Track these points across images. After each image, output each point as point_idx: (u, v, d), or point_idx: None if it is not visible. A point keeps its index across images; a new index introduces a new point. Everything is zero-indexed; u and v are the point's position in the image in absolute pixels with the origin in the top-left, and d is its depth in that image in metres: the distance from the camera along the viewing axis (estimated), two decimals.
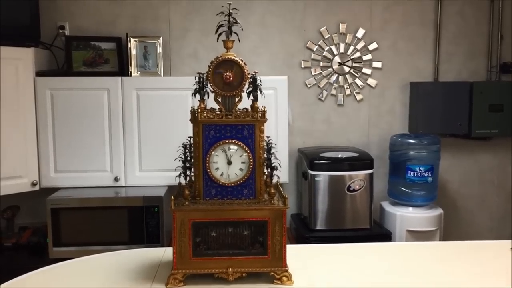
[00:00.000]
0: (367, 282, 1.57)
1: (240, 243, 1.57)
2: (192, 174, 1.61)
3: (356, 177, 2.81)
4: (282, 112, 2.92)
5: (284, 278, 1.55)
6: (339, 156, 2.92)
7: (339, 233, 2.83)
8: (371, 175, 2.84)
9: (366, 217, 2.86)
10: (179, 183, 1.64)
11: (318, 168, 2.83)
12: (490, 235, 3.36)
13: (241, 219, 1.55)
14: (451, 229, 3.25)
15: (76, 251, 2.61)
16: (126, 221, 2.68)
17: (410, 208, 2.97)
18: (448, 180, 3.35)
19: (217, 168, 1.56)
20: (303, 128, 3.29)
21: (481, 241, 2.12)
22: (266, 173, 1.62)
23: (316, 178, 2.82)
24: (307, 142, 3.27)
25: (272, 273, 1.55)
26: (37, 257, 2.76)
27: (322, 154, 2.90)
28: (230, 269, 1.53)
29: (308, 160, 2.88)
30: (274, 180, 1.63)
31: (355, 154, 2.92)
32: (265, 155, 1.60)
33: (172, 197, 1.54)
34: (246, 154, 1.57)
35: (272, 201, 1.56)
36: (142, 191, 2.77)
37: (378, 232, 2.88)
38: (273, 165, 1.61)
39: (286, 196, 1.57)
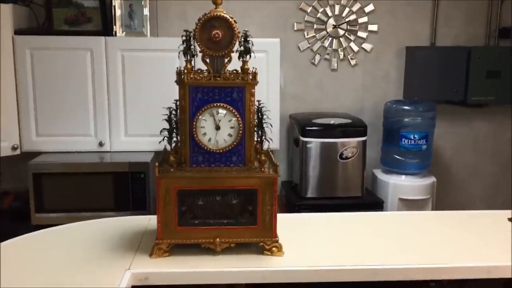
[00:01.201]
0: (358, 253, 1.51)
1: (229, 213, 1.49)
2: (178, 139, 1.51)
3: (349, 145, 2.74)
4: (273, 76, 2.81)
5: (274, 248, 1.48)
6: (332, 122, 2.83)
7: (331, 201, 2.77)
8: (364, 142, 2.76)
9: (358, 185, 2.80)
10: (164, 148, 1.55)
11: (310, 134, 2.74)
12: (482, 204, 3.33)
13: (229, 187, 1.47)
14: (443, 197, 3.21)
15: (59, 217, 2.53)
16: (112, 187, 2.59)
17: (403, 176, 2.92)
18: (442, 148, 3.29)
19: (205, 134, 1.47)
20: (295, 93, 3.19)
21: (476, 211, 2.07)
22: (257, 139, 1.53)
23: (307, 145, 2.74)
24: (299, 107, 3.18)
25: (261, 243, 1.48)
26: (19, 223, 2.67)
27: (314, 120, 2.81)
28: (218, 239, 1.46)
29: (299, 127, 2.79)
30: (265, 146, 1.54)
31: (348, 121, 2.84)
32: (256, 120, 1.51)
33: (157, 164, 1.45)
34: (236, 118, 1.47)
35: (263, 169, 1.48)
36: (128, 156, 2.67)
37: (370, 200, 2.83)
38: (264, 130, 1.52)
39: (278, 163, 1.49)
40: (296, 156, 2.89)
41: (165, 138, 1.51)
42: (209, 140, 1.47)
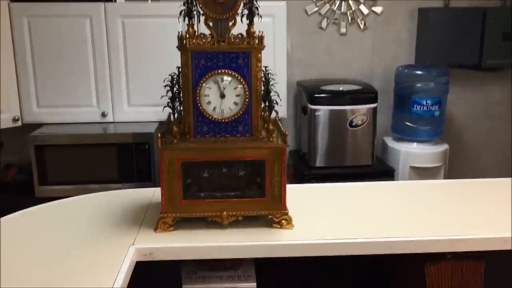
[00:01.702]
0: (370, 225, 1.45)
1: (235, 185, 1.43)
2: (182, 109, 1.43)
3: (359, 112, 2.65)
4: (280, 41, 2.70)
5: (283, 221, 1.42)
6: (341, 89, 2.74)
7: (340, 170, 2.71)
8: (374, 109, 2.68)
9: (368, 153, 2.73)
10: (168, 119, 1.47)
11: (318, 102, 2.66)
12: (495, 171, 3.25)
13: (236, 158, 1.40)
14: (455, 165, 3.14)
15: (63, 189, 2.49)
16: (115, 159, 2.54)
17: (415, 144, 2.84)
18: (455, 114, 3.19)
19: (209, 102, 1.39)
20: (302, 60, 3.08)
21: (491, 179, 1.98)
22: (264, 107, 1.45)
23: (316, 113, 2.66)
24: (307, 74, 3.08)
25: (270, 216, 1.42)
26: (23, 196, 2.63)
27: (322, 87, 2.72)
28: (225, 212, 1.40)
29: (307, 94, 2.70)
30: (273, 115, 1.46)
31: (358, 87, 2.74)
32: (263, 87, 1.42)
33: (159, 135, 1.38)
34: (241, 86, 1.39)
35: (271, 139, 1.40)
36: (132, 127, 2.61)
37: (381, 169, 2.76)
38: (271, 98, 1.44)
39: (286, 132, 1.41)
40: (304, 125, 2.82)
41: (168, 107, 1.43)
42: (214, 109, 1.39)
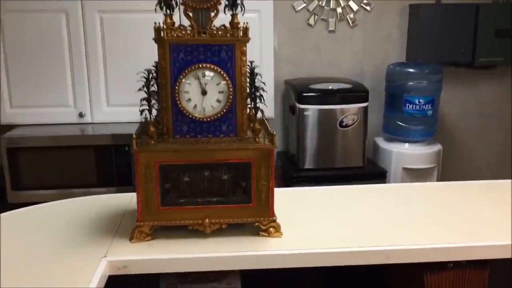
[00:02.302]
0: (365, 232, 1.34)
1: (219, 190, 1.30)
2: (159, 107, 1.31)
3: (349, 111, 2.55)
4: (267, 38, 2.59)
5: (271, 229, 1.31)
6: (330, 87, 2.63)
7: (330, 172, 2.60)
8: (365, 108, 2.58)
9: (359, 154, 2.63)
10: (145, 118, 1.35)
11: (307, 101, 2.55)
12: (489, 172, 3.17)
13: (219, 160, 1.28)
14: (449, 165, 3.05)
15: (37, 194, 2.35)
16: (94, 161, 2.40)
17: (407, 144, 2.74)
18: (446, 113, 3.10)
19: (189, 100, 1.27)
20: (290, 57, 2.97)
21: (487, 181, 1.88)
22: (249, 105, 1.33)
23: (305, 113, 2.55)
24: (295, 72, 2.97)
25: (257, 223, 1.30)
26: None
27: (311, 86, 2.61)
28: (207, 220, 1.28)
29: (296, 93, 2.59)
30: (259, 114, 1.34)
31: (348, 86, 2.64)
32: (248, 84, 1.30)
33: (134, 135, 1.25)
34: (225, 82, 1.27)
35: (257, 139, 1.29)
36: (111, 128, 2.47)
37: (372, 170, 2.66)
38: (258, 95, 1.32)
39: (274, 132, 1.29)
40: (292, 125, 2.70)
41: (143, 106, 1.31)
42: (195, 107, 1.27)
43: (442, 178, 2.77)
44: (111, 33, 2.48)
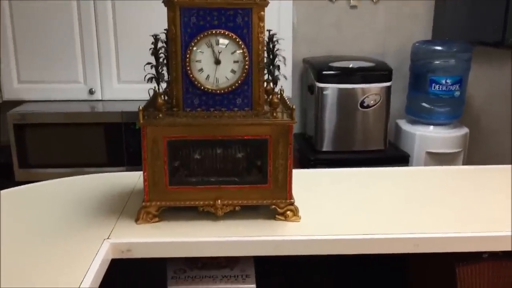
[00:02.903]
0: (389, 218, 1.22)
1: (232, 168, 1.20)
2: (169, 78, 1.20)
3: (371, 91, 2.42)
4: (285, 14, 2.46)
5: (288, 212, 1.20)
6: (351, 66, 2.49)
7: (349, 155, 2.48)
8: (388, 88, 2.44)
9: (380, 137, 2.50)
10: (154, 90, 1.24)
11: (326, 80, 2.42)
12: None
13: (233, 137, 1.17)
14: (474, 150, 2.90)
15: (45, 173, 2.28)
16: (103, 140, 2.31)
17: (431, 127, 2.60)
18: (473, 95, 2.94)
19: (201, 70, 1.16)
20: (309, 35, 2.83)
21: None
22: (267, 77, 1.22)
23: (324, 92, 2.42)
24: (313, 51, 2.83)
25: (273, 206, 1.19)
26: (3, 179, 2.41)
27: (331, 64, 2.48)
28: (219, 201, 1.17)
29: (315, 71, 2.46)
30: (278, 87, 1.23)
31: (371, 64, 2.50)
32: (266, 53, 1.19)
33: (140, 108, 1.15)
34: (240, 50, 1.15)
35: (275, 114, 1.17)
36: (121, 105, 2.37)
37: (394, 154, 2.54)
38: (276, 65, 1.21)
39: (293, 107, 1.18)
40: (310, 105, 2.58)
41: (151, 75, 1.20)
42: (207, 77, 1.16)
43: (467, 163, 2.63)
44: (123, 5, 2.37)
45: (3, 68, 2.39)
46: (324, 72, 2.43)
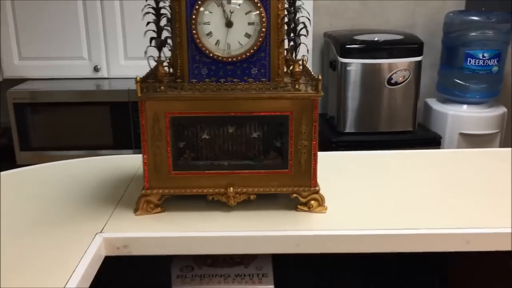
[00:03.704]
0: (429, 208, 1.04)
1: (247, 151, 1.02)
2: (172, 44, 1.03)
3: (400, 66, 2.21)
4: None
5: (313, 202, 1.02)
6: (376, 39, 2.28)
7: (375, 137, 2.29)
8: (419, 63, 2.23)
9: (409, 117, 2.30)
10: (156, 60, 1.06)
11: (350, 54, 2.22)
12: None
13: (248, 113, 0.99)
14: (510, 132, 2.67)
15: (48, 156, 2.13)
16: (109, 120, 2.15)
17: (465, 106, 2.39)
18: (508, 72, 2.71)
19: (210, 34, 0.98)
20: (330, 7, 2.62)
21: None
22: (288, 43, 1.04)
23: (347, 68, 2.22)
24: (336, 24, 2.62)
25: (295, 194, 1.02)
26: (4, 162, 2.27)
27: (355, 37, 2.27)
28: (232, 188, 1.00)
29: (338, 45, 2.26)
30: (300, 55, 1.04)
31: (399, 37, 2.29)
32: (287, 16, 1.00)
33: (138, 79, 0.97)
34: (257, 10, 0.97)
35: (297, 86, 0.99)
36: (128, 83, 2.20)
37: (424, 135, 2.33)
38: (299, 29, 1.02)
39: (319, 77, 0.99)
40: (332, 83, 2.38)
41: (153, 41, 1.02)
42: (217, 43, 0.98)
43: (504, 146, 2.42)
44: None
45: (3, 44, 2.23)
46: (348, 46, 2.23)
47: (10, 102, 2.10)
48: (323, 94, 0.99)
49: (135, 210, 1.01)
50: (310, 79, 1.01)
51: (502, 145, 2.40)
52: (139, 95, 0.97)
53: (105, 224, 0.97)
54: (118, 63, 2.28)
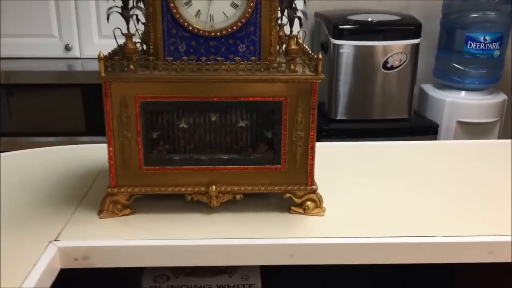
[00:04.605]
0: (436, 206, 0.90)
1: (232, 143, 0.86)
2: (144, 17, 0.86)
3: (396, 49, 2.06)
4: None
5: (309, 203, 0.87)
6: (370, 19, 2.13)
7: (368, 125, 2.15)
8: (416, 46, 2.09)
9: (404, 104, 2.16)
10: (126, 35, 0.89)
11: (343, 35, 2.07)
12: None
13: (234, 98, 0.83)
14: (509, 120, 2.55)
15: (15, 142, 1.95)
16: (81, 104, 1.97)
17: (463, 93, 2.26)
18: (510, 58, 2.58)
19: (189, 3, 0.81)
20: None
21: None
22: (281, 16, 0.88)
23: (340, 50, 2.07)
24: (327, 4, 2.46)
25: (288, 194, 0.87)
26: None
27: (349, 17, 2.12)
28: (214, 187, 0.85)
29: (330, 25, 2.11)
30: (295, 29, 0.88)
31: (396, 17, 2.14)
32: None
33: (101, 55, 0.81)
34: None
35: (293, 66, 0.83)
36: None
37: (420, 124, 2.20)
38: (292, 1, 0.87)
39: (320, 56, 0.84)
40: (323, 66, 2.21)
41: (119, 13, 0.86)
42: (198, 14, 0.82)
43: (503, 136, 2.30)
44: None
45: None
46: (341, 27, 2.07)
47: None
48: (323, 76, 0.84)
49: (99, 212, 0.86)
50: (308, 58, 0.86)
51: (501, 134, 2.29)
52: (103, 75, 0.81)
53: (62, 230, 0.81)
54: (92, 42, 2.09)
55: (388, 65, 2.07)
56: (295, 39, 0.85)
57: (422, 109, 2.38)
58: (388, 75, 2.10)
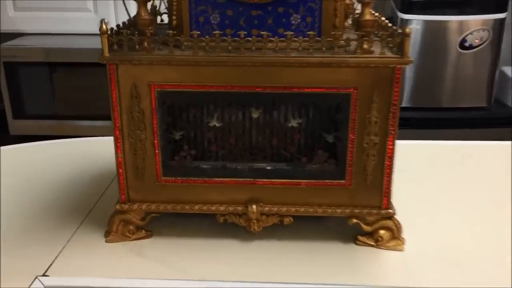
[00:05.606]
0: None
1: (280, 148, 0.64)
2: None
3: (476, 25, 1.76)
4: None
5: (383, 232, 0.64)
6: None
7: (438, 113, 1.87)
8: (501, 22, 1.77)
9: (482, 90, 1.86)
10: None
11: (413, 9, 1.79)
12: None
13: (283, 88, 0.61)
14: None
15: (45, 125, 1.82)
16: None
17: None
18: None
19: None
20: None
21: None
22: None
23: (409, 27, 1.78)
24: None
25: (354, 219, 0.64)
26: None
27: None
28: (255, 206, 0.63)
29: None
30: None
31: None
32: None
33: (104, 27, 0.60)
34: None
35: (367, 45, 0.59)
36: None
37: (501, 113, 1.90)
38: None
39: (408, 30, 0.60)
40: None
41: None
42: None
43: None
44: None
45: None
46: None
47: (0, 61, 1.77)
48: (412, 60, 0.60)
49: (106, 234, 0.66)
50: (389, 34, 0.62)
51: None
52: (106, 54, 0.60)
53: (55, 259, 0.62)
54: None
55: (467, 44, 1.77)
56: (367, 12, 0.61)
57: (501, 95, 2.06)
58: (464, 55, 1.80)
